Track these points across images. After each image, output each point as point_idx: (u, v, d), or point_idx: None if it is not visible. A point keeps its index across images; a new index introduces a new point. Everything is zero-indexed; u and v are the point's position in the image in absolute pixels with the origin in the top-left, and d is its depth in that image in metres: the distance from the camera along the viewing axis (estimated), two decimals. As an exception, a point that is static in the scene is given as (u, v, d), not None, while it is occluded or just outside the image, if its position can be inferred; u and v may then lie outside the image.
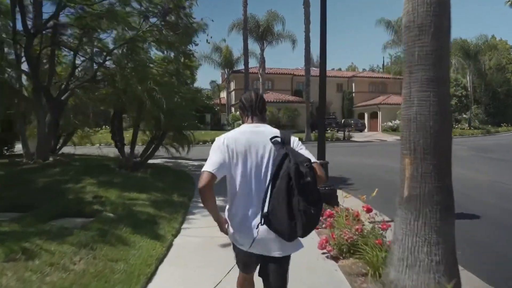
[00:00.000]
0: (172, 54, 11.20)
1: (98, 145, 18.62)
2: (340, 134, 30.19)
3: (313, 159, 2.11)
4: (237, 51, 41.55)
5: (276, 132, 2.18)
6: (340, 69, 57.56)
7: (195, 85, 45.08)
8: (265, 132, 2.18)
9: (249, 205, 2.09)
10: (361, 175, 10.77)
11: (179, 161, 13.63)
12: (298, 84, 44.51)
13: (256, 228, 2.03)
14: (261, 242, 2.05)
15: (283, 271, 2.18)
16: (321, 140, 6.52)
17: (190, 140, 8.71)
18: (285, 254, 2.11)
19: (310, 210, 1.92)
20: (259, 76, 36.33)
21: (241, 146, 2.11)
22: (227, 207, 2.22)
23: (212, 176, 2.01)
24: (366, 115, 42.89)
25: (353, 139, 28.81)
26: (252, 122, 2.27)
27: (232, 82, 43.10)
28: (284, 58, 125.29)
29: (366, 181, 9.16)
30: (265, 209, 1.97)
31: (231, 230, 2.17)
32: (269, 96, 38.06)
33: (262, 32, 34.75)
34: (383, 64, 70.84)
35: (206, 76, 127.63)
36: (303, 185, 1.92)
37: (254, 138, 2.14)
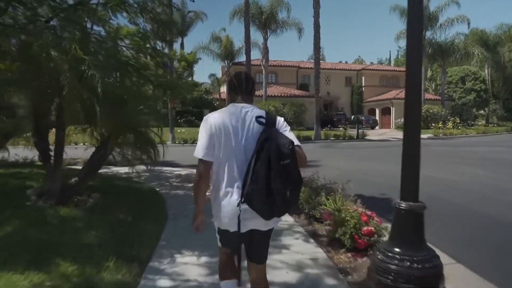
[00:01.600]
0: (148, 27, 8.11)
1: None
2: (352, 132, 27.13)
3: (296, 142, 2.16)
4: (238, 42, 38.42)
5: (262, 113, 2.21)
6: (346, 63, 54.35)
7: (194, 79, 42.64)
8: (252, 112, 2.20)
9: (233, 185, 2.11)
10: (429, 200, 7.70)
11: (163, 168, 10.65)
12: (303, 77, 41.46)
13: (238, 206, 2.07)
14: (245, 219, 2.09)
15: (266, 242, 2.31)
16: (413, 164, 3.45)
17: (153, 143, 5.51)
18: (267, 228, 2.23)
19: (286, 192, 2.02)
20: (262, 68, 33.24)
21: (227, 125, 2.12)
22: (211, 186, 2.22)
23: (208, 163, 2.12)
24: (377, 111, 39.76)
25: (367, 137, 25.75)
26: (242, 101, 2.26)
27: (232, 75, 40.00)
28: (288, 51, 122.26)
29: (447, 217, 5.92)
30: (246, 189, 2.04)
31: (216, 213, 2.19)
32: (273, 90, 35.00)
33: (265, 19, 31.66)
34: (389, 57, 67.76)
35: (205, 69, 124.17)
36: (282, 167, 2.01)
37: (240, 118, 2.16)
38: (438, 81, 43.33)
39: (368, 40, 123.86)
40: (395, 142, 22.71)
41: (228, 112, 2.18)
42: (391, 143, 21.95)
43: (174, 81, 8.02)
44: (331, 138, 24.95)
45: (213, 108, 39.86)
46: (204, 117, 2.19)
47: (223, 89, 44.83)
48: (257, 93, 33.35)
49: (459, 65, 39.13)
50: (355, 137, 25.41)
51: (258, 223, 2.14)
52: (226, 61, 38.54)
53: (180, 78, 35.79)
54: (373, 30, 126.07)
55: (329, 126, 28.62)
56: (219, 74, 48.06)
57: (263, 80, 33.13)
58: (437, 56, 35.31)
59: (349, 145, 20.61)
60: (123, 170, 9.34)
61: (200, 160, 2.10)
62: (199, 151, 2.10)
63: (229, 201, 2.10)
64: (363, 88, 42.52)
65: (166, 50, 33.40)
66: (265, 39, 32.85)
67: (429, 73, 43.92)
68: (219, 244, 2.33)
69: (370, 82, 42.51)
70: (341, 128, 29.89)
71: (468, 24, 33.46)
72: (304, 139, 24.07)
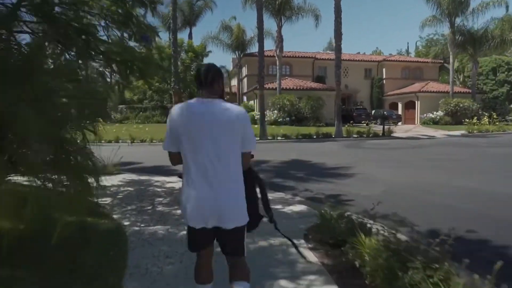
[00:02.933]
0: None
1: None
2: (376, 128, 24.42)
3: (248, 148, 2.20)
4: (250, 31, 35.80)
5: (228, 107, 2.15)
6: (365, 54, 51.23)
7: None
8: (213, 106, 2.13)
9: (199, 179, 2.09)
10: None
11: (153, 178, 8.29)
12: (319, 69, 38.68)
13: (205, 202, 2.08)
14: (213, 215, 2.08)
15: (239, 239, 2.22)
16: None
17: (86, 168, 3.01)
18: (236, 225, 2.14)
19: None
20: (276, 58, 30.62)
21: (185, 120, 2.11)
22: (182, 182, 2.22)
23: (173, 154, 2.23)
24: (400, 105, 36.79)
25: (393, 134, 23.01)
26: (202, 96, 2.21)
27: (244, 68, 37.48)
28: (303, 42, 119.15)
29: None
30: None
31: (184, 210, 2.17)
32: (287, 83, 32.36)
33: (279, 4, 28.97)
34: (407, 49, 64.16)
35: (214, 61, 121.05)
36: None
37: (200, 111, 2.12)
38: (466, 72, 40.10)
39: (385, 31, 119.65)
40: (427, 141, 19.93)
41: (187, 106, 2.17)
42: (425, 142, 19.20)
43: (148, 55, 5.50)
44: (354, 136, 22.30)
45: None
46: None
47: (234, 82, 42.37)
48: (270, 86, 30.78)
49: (493, 54, 35.83)
50: (381, 134, 22.70)
51: (223, 220, 2.11)
52: (237, 52, 36.04)
53: (188, 70, 33.59)
54: (390, 20, 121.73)
55: (351, 122, 25.85)
56: (229, 67, 45.58)
57: (277, 72, 30.51)
58: (468, 45, 32.11)
59: (377, 145, 17.94)
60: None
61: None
62: (164, 143, 2.22)
63: (197, 196, 2.10)
64: (384, 80, 39.52)
65: (169, 37, 30.96)
66: (279, 27, 30.17)
67: (456, 64, 40.57)
68: (189, 246, 2.31)
69: (392, 74, 39.48)
70: (364, 124, 27.21)
71: (507, 7, 30.17)
72: (323, 137, 21.49)
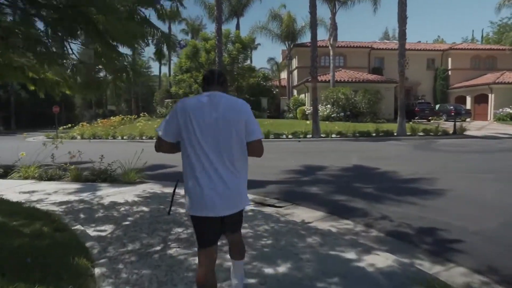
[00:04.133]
0: None
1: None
2: (445, 125, 21.35)
3: (254, 137, 2.27)
4: (300, 20, 33.56)
5: (232, 100, 2.27)
6: (427, 42, 46.84)
7: (251, 63, 38.54)
8: (219, 99, 2.24)
9: (203, 170, 2.16)
10: None
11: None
12: (376, 61, 35.57)
13: (216, 192, 2.16)
14: (222, 204, 2.17)
15: (240, 218, 2.45)
16: None
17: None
18: (241, 209, 2.34)
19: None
20: (329, 48, 28.17)
21: (192, 113, 2.17)
22: (183, 169, 2.26)
23: (163, 141, 2.28)
24: (468, 99, 32.79)
25: (466, 132, 19.87)
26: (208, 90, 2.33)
27: (294, 59, 35.30)
28: (358, 31, 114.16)
29: None
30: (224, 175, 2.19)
31: (189, 202, 2.21)
32: (341, 75, 29.80)
33: (334, -12, 26.46)
34: (473, 37, 58.14)
35: (263, 53, 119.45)
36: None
37: (207, 105, 2.20)
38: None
39: (446, 19, 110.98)
40: (508, 141, 16.76)
41: (194, 98, 2.27)
42: (510, 143, 16.06)
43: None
44: (420, 134, 19.50)
45: (272, 96, 35.63)
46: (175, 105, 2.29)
47: (284, 75, 40.34)
48: (323, 78, 28.46)
49: None
50: (451, 133, 19.68)
51: (230, 206, 2.22)
52: (286, 43, 33.91)
53: (235, 62, 32.03)
54: (451, 7, 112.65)
55: (416, 118, 22.89)
56: (278, 59, 43.55)
57: (330, 63, 28.08)
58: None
59: (451, 146, 15.19)
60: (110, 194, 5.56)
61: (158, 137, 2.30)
62: (160, 130, 2.28)
63: (202, 185, 2.17)
64: (450, 71, 35.54)
65: (214, 27, 29.69)
66: (333, 13, 27.65)
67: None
68: (197, 237, 2.31)
69: (459, 64, 35.35)
70: (427, 121, 24.14)
71: None
72: (384, 135, 18.93)
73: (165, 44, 6.59)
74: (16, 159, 8.11)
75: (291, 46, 33.85)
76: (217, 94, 2.25)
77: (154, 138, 14.67)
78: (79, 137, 21.76)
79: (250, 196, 5.75)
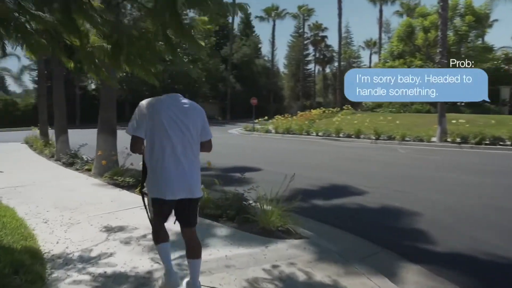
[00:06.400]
0: None
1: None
2: None
3: (209, 137, 2.65)
4: None
5: (191, 104, 2.60)
6: None
7: (486, 41, 29.91)
8: (180, 101, 2.56)
9: (169, 159, 2.43)
10: None
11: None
12: None
13: (177, 179, 2.44)
14: (183, 188, 2.45)
15: (196, 209, 2.60)
16: None
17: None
18: (199, 196, 2.57)
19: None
20: None
21: (157, 111, 2.46)
22: (147, 159, 2.52)
23: (137, 138, 2.49)
24: None
25: None
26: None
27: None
28: None
29: None
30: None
31: (152, 185, 2.49)
32: None
33: None
34: None
35: (501, 32, 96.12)
36: None
37: (170, 105, 2.50)
38: None
39: None
40: None
41: (159, 98, 2.57)
42: None
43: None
44: None
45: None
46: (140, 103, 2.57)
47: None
48: None
49: None
50: None
51: (186, 191, 2.47)
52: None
53: (464, 42, 25.07)
54: None
55: None
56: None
57: None
58: None
59: None
60: None
61: (132, 137, 2.56)
62: (131, 129, 2.55)
63: (165, 171, 2.44)
64: None
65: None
66: None
67: None
68: (152, 215, 2.59)
69: None
70: None
71: None
72: None
73: None
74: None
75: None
76: (178, 95, 2.60)
77: (353, 136, 11.14)
78: (273, 130, 20.76)
79: None
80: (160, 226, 2.64)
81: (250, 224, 4.20)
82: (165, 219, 2.61)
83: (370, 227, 4.63)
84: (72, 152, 9.20)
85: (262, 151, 13.50)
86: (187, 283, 2.65)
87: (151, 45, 3.67)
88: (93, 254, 3.41)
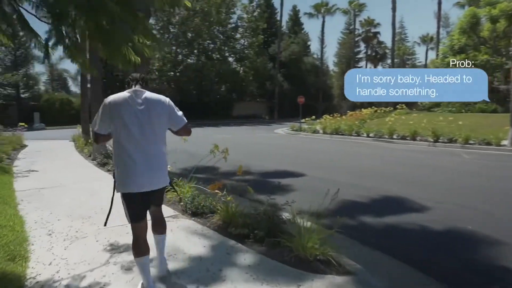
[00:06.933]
0: None
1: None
2: None
3: (182, 124, 2.66)
4: None
5: (156, 96, 2.57)
6: None
7: None
8: (145, 95, 2.53)
9: (134, 152, 2.45)
10: None
11: None
12: None
13: (143, 173, 2.47)
14: (149, 182, 2.50)
15: (163, 194, 2.76)
16: None
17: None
18: (164, 186, 2.65)
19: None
20: None
21: (122, 107, 2.46)
22: (114, 155, 2.59)
23: (101, 135, 2.58)
24: None
25: None
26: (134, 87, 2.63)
27: None
28: None
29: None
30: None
31: (120, 180, 2.52)
32: None
33: None
34: None
35: None
36: None
37: (135, 100, 2.49)
38: None
39: None
40: None
41: (122, 94, 2.54)
42: None
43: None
44: None
45: None
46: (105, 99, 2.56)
47: None
48: None
49: None
50: None
51: (154, 183, 2.54)
52: None
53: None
54: None
55: None
56: None
57: None
58: None
59: None
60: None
61: (95, 133, 2.67)
62: (95, 126, 2.61)
63: (131, 165, 2.46)
64: None
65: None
66: None
67: None
68: (128, 214, 2.59)
69: None
70: None
71: None
72: None
73: None
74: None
75: None
76: (140, 90, 2.56)
77: (408, 138, 10.00)
78: (321, 131, 19.67)
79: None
80: (139, 233, 2.58)
81: (281, 249, 3.39)
82: (142, 215, 2.59)
83: (438, 258, 3.63)
84: (108, 151, 8.90)
85: (307, 153, 12.57)
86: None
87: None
88: (83, 284, 2.78)
